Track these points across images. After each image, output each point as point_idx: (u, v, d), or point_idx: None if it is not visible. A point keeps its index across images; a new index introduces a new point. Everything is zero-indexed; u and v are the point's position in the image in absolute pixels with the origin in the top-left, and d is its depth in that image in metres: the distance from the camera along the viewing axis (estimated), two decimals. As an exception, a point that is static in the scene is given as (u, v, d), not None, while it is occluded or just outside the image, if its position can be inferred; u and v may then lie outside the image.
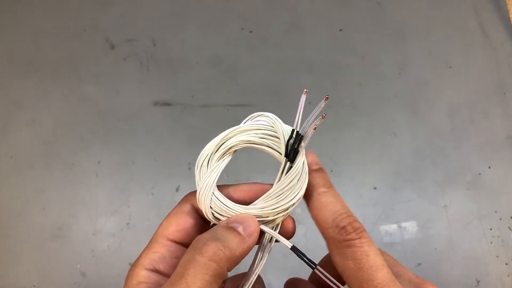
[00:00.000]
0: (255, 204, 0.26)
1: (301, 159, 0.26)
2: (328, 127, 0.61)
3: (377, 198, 0.56)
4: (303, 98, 0.26)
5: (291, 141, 0.26)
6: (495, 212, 0.56)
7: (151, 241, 0.26)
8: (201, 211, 0.27)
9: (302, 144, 0.26)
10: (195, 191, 0.27)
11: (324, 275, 0.24)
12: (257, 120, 0.27)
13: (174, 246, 0.26)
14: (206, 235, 0.23)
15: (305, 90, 0.26)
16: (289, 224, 0.27)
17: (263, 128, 0.26)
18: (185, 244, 0.26)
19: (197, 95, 0.62)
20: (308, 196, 0.25)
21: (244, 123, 0.27)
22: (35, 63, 0.65)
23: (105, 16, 0.67)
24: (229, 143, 0.27)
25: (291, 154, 0.26)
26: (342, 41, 0.66)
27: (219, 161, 0.27)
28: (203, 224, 0.28)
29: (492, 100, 0.62)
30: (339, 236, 0.22)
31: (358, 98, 0.62)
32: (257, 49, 0.65)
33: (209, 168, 0.27)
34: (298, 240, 0.54)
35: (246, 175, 0.57)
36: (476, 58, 0.65)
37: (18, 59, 0.65)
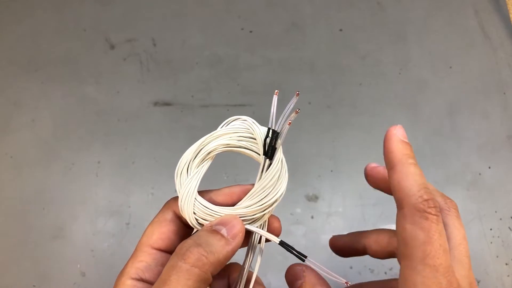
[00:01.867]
0: (239, 205, 0.27)
1: (279, 155, 0.26)
2: (328, 127, 0.61)
3: (377, 198, 0.56)
4: (275, 98, 0.27)
5: (268, 139, 0.26)
6: (495, 212, 0.56)
7: (136, 250, 0.26)
8: (184, 218, 0.27)
9: (279, 141, 0.26)
10: (176, 197, 0.27)
11: (316, 265, 0.26)
12: (233, 124, 0.27)
13: (159, 254, 0.26)
14: (189, 240, 0.24)
15: (277, 91, 0.27)
16: (275, 224, 0.28)
17: (240, 131, 0.27)
18: (169, 251, 0.26)
19: (197, 95, 0.62)
20: (394, 163, 0.25)
21: (221, 127, 0.27)
22: (35, 63, 0.65)
23: (105, 16, 0.67)
24: (208, 148, 0.27)
25: (269, 152, 0.26)
26: (342, 41, 0.66)
27: (199, 167, 0.27)
28: (186, 230, 0.28)
29: (492, 100, 0.62)
30: (421, 205, 0.22)
31: (358, 98, 0.62)
32: (257, 49, 0.65)
33: (189, 174, 0.27)
34: (298, 240, 0.54)
35: (245, 176, 0.57)
36: (476, 58, 0.65)
37: (18, 59, 0.65)
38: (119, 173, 0.58)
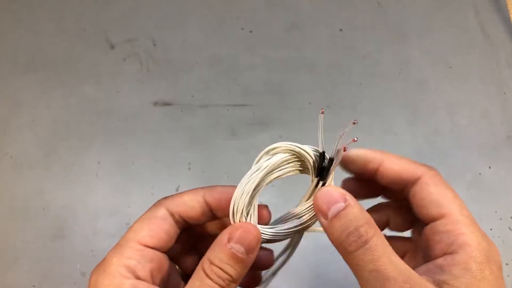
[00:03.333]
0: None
1: (331, 179, 0.27)
2: (328, 127, 0.61)
3: (377, 198, 0.56)
4: (321, 118, 0.28)
5: (324, 163, 0.27)
6: (495, 212, 0.56)
7: (120, 245, 0.26)
8: (178, 214, 0.27)
9: (332, 166, 0.26)
10: (169, 196, 0.27)
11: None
12: (271, 157, 0.27)
13: (146, 250, 0.26)
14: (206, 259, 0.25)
15: (322, 109, 0.27)
16: (264, 213, 0.28)
17: (283, 163, 0.27)
18: (157, 249, 0.26)
19: (197, 95, 0.62)
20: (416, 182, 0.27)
21: (257, 162, 0.27)
22: (35, 63, 0.65)
23: (105, 16, 0.67)
24: (258, 190, 0.27)
25: (324, 174, 0.27)
26: (342, 41, 0.66)
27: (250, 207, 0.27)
28: (176, 229, 0.28)
29: (492, 100, 0.62)
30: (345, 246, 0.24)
31: (358, 98, 0.62)
32: (257, 49, 0.65)
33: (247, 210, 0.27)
34: (298, 240, 0.54)
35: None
36: (476, 58, 0.65)
37: (18, 59, 0.65)
38: (119, 173, 0.58)
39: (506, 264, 0.54)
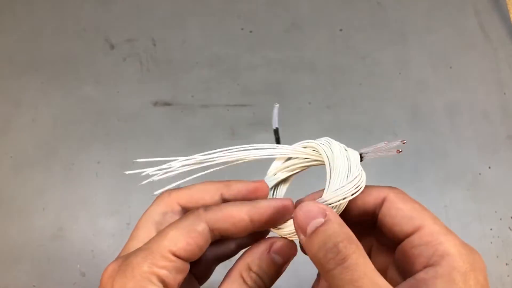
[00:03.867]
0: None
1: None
2: (328, 127, 0.61)
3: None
4: (275, 111, 0.30)
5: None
6: (495, 212, 0.56)
7: (151, 251, 0.24)
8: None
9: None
10: (211, 208, 0.26)
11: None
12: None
13: (179, 262, 0.24)
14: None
15: (277, 104, 0.29)
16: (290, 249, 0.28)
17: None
18: (187, 261, 0.25)
19: (197, 95, 0.62)
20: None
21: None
22: (35, 63, 0.65)
23: (105, 16, 0.67)
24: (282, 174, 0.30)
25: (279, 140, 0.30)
26: (342, 41, 0.66)
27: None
28: (209, 243, 0.27)
29: (492, 100, 0.62)
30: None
31: (358, 98, 0.62)
32: (257, 49, 0.65)
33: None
34: (297, 240, 0.54)
35: (246, 171, 0.57)
36: (476, 58, 0.65)
37: (18, 59, 0.65)
38: (119, 173, 0.58)
39: (506, 264, 0.54)
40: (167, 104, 0.62)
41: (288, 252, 0.26)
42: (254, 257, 0.25)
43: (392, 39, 0.66)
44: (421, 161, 0.59)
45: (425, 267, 0.23)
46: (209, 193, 0.28)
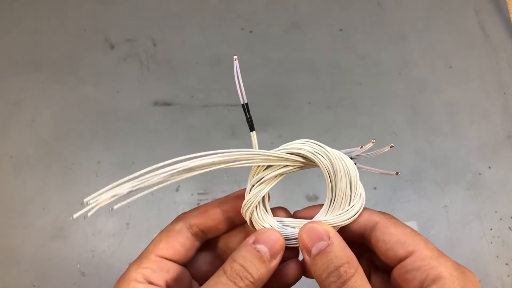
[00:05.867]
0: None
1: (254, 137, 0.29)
2: (328, 127, 0.61)
3: (377, 198, 0.56)
4: (236, 65, 0.28)
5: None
6: (495, 212, 0.56)
7: (141, 256, 0.27)
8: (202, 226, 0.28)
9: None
10: (189, 211, 0.28)
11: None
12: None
13: (163, 261, 0.27)
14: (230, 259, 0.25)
15: (235, 56, 0.28)
16: (281, 215, 0.29)
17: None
18: (173, 260, 0.27)
19: (197, 95, 0.62)
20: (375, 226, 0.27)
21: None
22: (35, 63, 0.65)
23: (105, 16, 0.67)
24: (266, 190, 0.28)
25: (252, 124, 0.29)
26: (342, 41, 0.66)
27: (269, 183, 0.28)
28: (194, 242, 0.28)
29: (492, 100, 0.62)
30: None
31: (358, 98, 0.62)
32: (257, 49, 0.65)
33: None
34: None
35: (245, 176, 0.57)
36: (476, 58, 0.65)
37: (18, 59, 0.65)
38: (119, 173, 0.58)
39: (506, 264, 0.54)
40: (167, 104, 0.62)
41: (273, 241, 0.25)
42: (238, 250, 0.25)
43: (392, 39, 0.66)
44: (421, 161, 0.59)
45: None
46: (209, 207, 0.29)
